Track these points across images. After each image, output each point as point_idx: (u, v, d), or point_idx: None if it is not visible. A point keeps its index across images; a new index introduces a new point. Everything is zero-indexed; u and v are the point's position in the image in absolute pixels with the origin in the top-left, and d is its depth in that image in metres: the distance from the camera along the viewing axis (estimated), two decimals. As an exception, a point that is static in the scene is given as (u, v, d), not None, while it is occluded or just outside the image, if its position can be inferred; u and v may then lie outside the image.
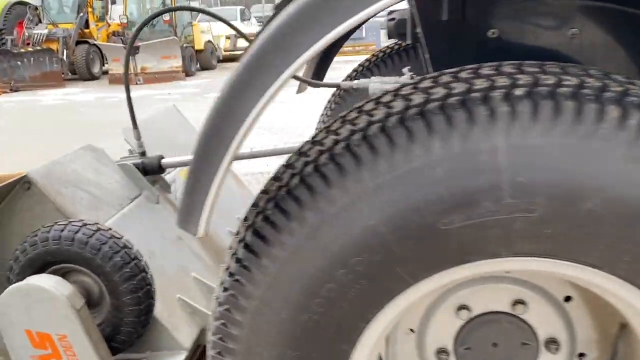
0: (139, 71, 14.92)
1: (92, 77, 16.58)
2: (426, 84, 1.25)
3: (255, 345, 1.32)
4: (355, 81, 2.45)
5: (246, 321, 1.31)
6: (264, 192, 1.33)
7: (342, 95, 3.01)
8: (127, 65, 2.40)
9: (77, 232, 1.82)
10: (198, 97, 12.16)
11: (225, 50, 20.26)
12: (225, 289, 1.33)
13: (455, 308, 1.52)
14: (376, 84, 2.31)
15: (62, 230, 1.81)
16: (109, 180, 2.27)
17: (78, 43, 16.58)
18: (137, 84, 14.62)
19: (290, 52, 1.14)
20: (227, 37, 20.63)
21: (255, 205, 1.33)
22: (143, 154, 2.46)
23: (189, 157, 2.58)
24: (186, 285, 2.22)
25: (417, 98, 1.20)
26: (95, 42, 16.94)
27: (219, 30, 19.37)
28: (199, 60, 17.82)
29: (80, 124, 9.66)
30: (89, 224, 1.85)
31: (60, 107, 12.14)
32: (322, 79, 2.95)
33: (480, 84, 1.17)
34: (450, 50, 1.63)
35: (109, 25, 18.23)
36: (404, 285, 1.23)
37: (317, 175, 1.20)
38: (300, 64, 1.15)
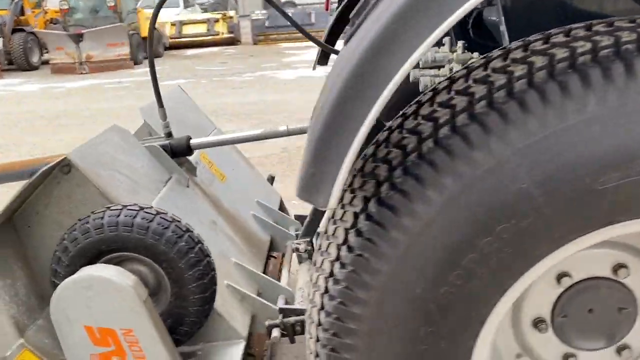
0: (83, 60, 14.23)
1: (31, 67, 15.67)
2: (559, 38, 1.18)
3: (383, 324, 1.23)
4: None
5: (371, 299, 1.22)
6: (376, 159, 1.24)
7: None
8: (150, 40, 2.23)
9: (135, 216, 1.66)
10: (149, 84, 11.69)
11: (170, 38, 19.64)
12: (343, 265, 1.24)
13: (555, 275, 1.48)
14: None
15: (119, 216, 1.65)
16: (140, 163, 2.10)
17: (14, 31, 15.63)
18: (82, 73, 13.95)
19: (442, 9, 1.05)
20: (172, 24, 20.02)
21: (369, 174, 1.24)
22: (169, 134, 2.29)
23: (217, 137, 2.45)
24: (229, 271, 2.09)
25: (560, 53, 1.13)
26: (33, 30, 16.02)
27: (164, 17, 18.76)
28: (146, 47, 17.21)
29: (29, 115, 9.11)
30: (146, 208, 1.70)
31: (3, 98, 11.41)
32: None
33: (626, 36, 1.12)
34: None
35: (46, 12, 17.27)
36: (547, 250, 1.17)
37: (457, 138, 1.12)
38: (450, 25, 1.06)
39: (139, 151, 2.15)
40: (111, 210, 1.69)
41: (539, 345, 1.46)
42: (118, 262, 1.69)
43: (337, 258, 1.26)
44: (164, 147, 2.24)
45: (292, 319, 2.00)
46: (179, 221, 1.71)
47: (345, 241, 1.25)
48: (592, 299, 1.44)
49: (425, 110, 1.23)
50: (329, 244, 1.33)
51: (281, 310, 2.01)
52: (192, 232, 1.71)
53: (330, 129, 1.11)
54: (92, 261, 1.68)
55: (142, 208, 1.69)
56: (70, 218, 1.80)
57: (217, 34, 19.71)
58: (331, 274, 1.28)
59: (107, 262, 1.68)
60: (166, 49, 18.68)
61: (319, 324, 1.32)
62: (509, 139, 1.10)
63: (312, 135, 1.15)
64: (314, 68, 2.91)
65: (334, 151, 1.11)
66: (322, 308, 1.30)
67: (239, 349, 1.85)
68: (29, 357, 1.70)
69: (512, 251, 1.15)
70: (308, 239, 2.42)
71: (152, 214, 1.70)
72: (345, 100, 1.09)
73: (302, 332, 2.02)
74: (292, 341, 2.00)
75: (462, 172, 1.12)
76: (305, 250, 2.39)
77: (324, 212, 2.39)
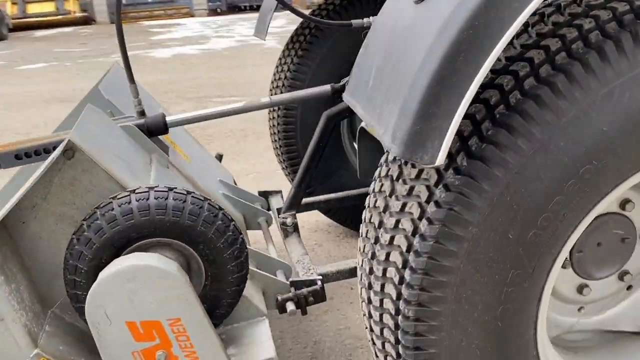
0: None
1: None
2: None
3: (473, 273, 1.28)
4: (369, 18, 2.38)
5: (462, 250, 1.26)
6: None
7: (315, 33, 2.89)
8: (118, 16, 2.02)
9: (167, 197, 1.53)
10: (8, 69, 10.52)
11: (13, 18, 17.70)
12: (431, 221, 1.26)
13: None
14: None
15: (148, 198, 1.51)
16: (122, 145, 1.92)
17: None
18: None
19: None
20: (13, 2, 18.06)
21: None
22: (142, 113, 2.11)
23: (193, 113, 2.32)
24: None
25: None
26: None
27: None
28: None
29: None
30: (174, 187, 1.57)
31: None
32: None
33: None
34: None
35: None
36: (612, 188, 1.29)
37: (545, 88, 1.19)
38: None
39: (117, 132, 1.95)
40: (137, 193, 1.54)
41: (560, 281, 1.61)
42: (145, 250, 1.55)
43: (422, 216, 1.29)
44: (139, 126, 2.07)
45: (305, 290, 1.99)
46: (209, 199, 1.60)
47: (431, 198, 1.27)
48: (603, 234, 1.61)
49: (501, 65, 1.28)
50: (404, 204, 1.34)
51: (292, 283, 1.99)
52: (223, 209, 1.61)
53: (440, 84, 1.12)
54: (118, 252, 1.52)
55: (170, 188, 1.56)
56: (73, 209, 1.61)
57: (69, 13, 18.15)
58: (415, 231, 1.30)
59: (136, 250, 1.54)
60: (10, 30, 16.82)
61: (401, 282, 1.33)
62: (590, 86, 1.19)
63: (414, 92, 1.15)
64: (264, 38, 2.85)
65: (444, 107, 1.13)
66: (404, 267, 1.32)
67: (265, 326, 1.80)
68: None
69: (589, 190, 1.26)
70: (293, 213, 2.39)
71: (183, 193, 1.57)
72: (457, 54, 1.10)
73: (315, 303, 2.02)
74: (305, 313, 1.99)
75: (550, 121, 1.20)
76: (292, 224, 2.37)
77: (303, 184, 2.39)
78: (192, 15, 18.63)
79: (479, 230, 1.25)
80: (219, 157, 3.08)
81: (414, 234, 1.30)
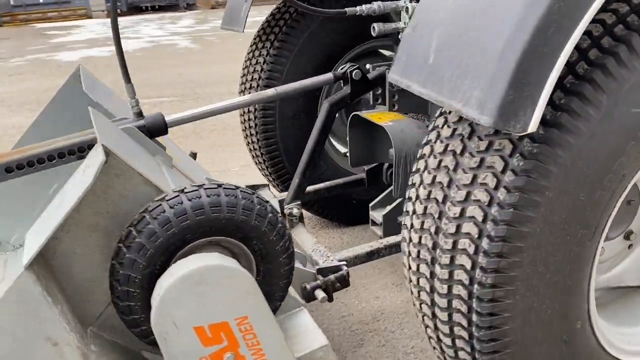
0: None
1: None
2: None
3: (548, 236, 1.35)
4: (362, 6, 2.39)
5: (539, 215, 1.33)
6: None
7: (291, 24, 2.87)
8: (114, 13, 1.89)
9: (219, 194, 1.47)
10: None
11: None
12: (509, 189, 1.32)
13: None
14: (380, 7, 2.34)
15: (200, 197, 1.44)
16: (132, 147, 1.81)
17: None
18: None
19: None
20: None
21: None
22: (140, 114, 2.01)
23: (193, 111, 2.24)
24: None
25: None
26: None
27: None
28: None
29: None
30: (222, 183, 1.51)
31: None
32: None
33: None
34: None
35: None
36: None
37: (610, 58, 1.28)
38: None
39: (124, 136, 1.84)
40: (188, 192, 1.46)
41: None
42: (197, 251, 1.48)
43: (498, 185, 1.34)
44: (140, 128, 1.96)
45: (332, 276, 1.99)
46: (255, 192, 1.56)
47: (507, 167, 1.33)
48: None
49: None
50: (474, 175, 1.39)
51: (319, 271, 1.98)
52: (269, 202, 1.57)
53: (532, 55, 1.17)
54: (172, 256, 1.45)
55: (219, 184, 1.50)
56: (107, 218, 1.49)
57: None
58: (491, 202, 1.35)
59: (189, 252, 1.46)
60: None
61: (476, 252, 1.38)
62: (646, 55, 1.30)
63: (504, 64, 1.19)
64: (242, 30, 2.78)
65: (535, 76, 1.18)
66: (480, 236, 1.37)
67: (307, 315, 1.78)
68: None
69: (641, 150, 1.37)
70: (298, 203, 2.37)
71: (232, 188, 1.51)
72: (549, 26, 1.16)
73: (341, 288, 2.03)
74: (331, 299, 1.99)
75: (614, 89, 1.29)
76: (298, 215, 2.35)
77: (307, 173, 2.37)
78: (90, 17, 17.65)
79: (554, 195, 1.33)
80: (193, 156, 2.99)
81: (489, 204, 1.35)
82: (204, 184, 1.51)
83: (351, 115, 2.47)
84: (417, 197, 1.57)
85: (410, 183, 1.64)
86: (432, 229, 1.49)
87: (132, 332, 1.53)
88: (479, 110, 1.23)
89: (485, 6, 1.29)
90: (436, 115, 1.62)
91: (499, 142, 1.35)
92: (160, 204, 1.45)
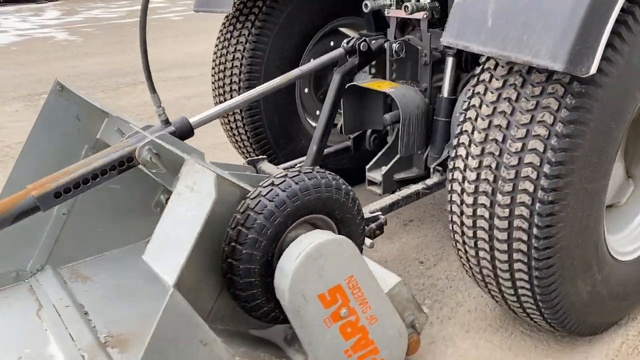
0: None
1: None
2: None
3: (591, 157, 1.74)
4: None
5: (586, 141, 1.71)
6: None
7: (271, 4, 3.02)
8: (143, 20, 1.97)
9: (303, 180, 1.69)
10: None
11: None
12: (564, 123, 1.67)
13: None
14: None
15: (291, 186, 1.66)
16: None
17: None
18: None
19: None
20: None
21: None
22: (167, 121, 2.14)
23: (216, 109, 2.35)
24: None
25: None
26: None
27: None
28: None
29: None
30: (299, 169, 1.73)
31: None
32: None
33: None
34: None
35: None
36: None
37: (629, 16, 1.68)
38: None
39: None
40: (290, 177, 1.68)
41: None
42: (297, 229, 1.69)
43: (554, 121, 1.68)
44: (171, 134, 2.06)
45: (373, 225, 2.25)
46: (325, 171, 1.79)
47: (561, 106, 1.68)
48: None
49: None
50: (532, 116, 1.72)
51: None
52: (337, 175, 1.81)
53: (593, 13, 1.52)
54: (277, 242, 1.65)
55: (299, 171, 1.72)
56: (209, 225, 1.58)
57: None
58: (549, 135, 1.69)
59: (292, 231, 1.68)
60: None
61: (538, 177, 1.72)
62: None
63: (573, 21, 1.52)
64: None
65: (595, 30, 1.53)
66: (541, 164, 1.71)
67: (370, 261, 2.01)
68: None
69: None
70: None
71: (309, 171, 1.73)
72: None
73: (379, 235, 2.30)
74: (372, 246, 2.25)
75: (632, 41, 1.69)
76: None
77: (324, 139, 2.58)
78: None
79: (595, 125, 1.71)
80: None
81: (548, 136, 1.70)
82: (286, 173, 1.71)
83: (347, 86, 2.72)
84: (471, 141, 1.88)
85: (458, 132, 1.94)
86: (493, 165, 1.81)
87: (253, 315, 1.70)
88: (551, 60, 1.56)
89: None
90: (477, 73, 1.93)
91: (552, 87, 1.70)
92: (260, 200, 1.63)
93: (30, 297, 2.26)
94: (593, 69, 1.56)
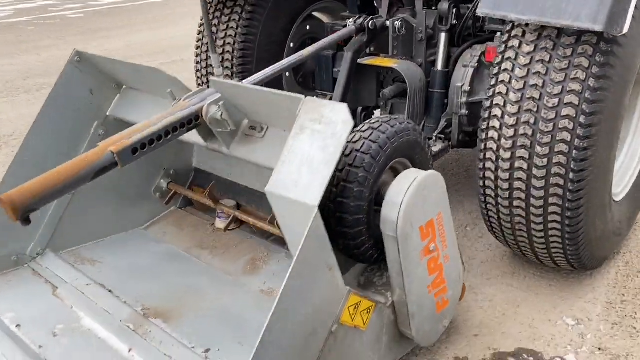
0: None
1: None
2: None
3: (613, 107, 2.04)
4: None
5: (610, 94, 2.00)
6: None
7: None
8: None
9: (392, 126, 1.82)
10: None
11: None
12: (596, 78, 1.94)
13: None
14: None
15: (393, 126, 1.82)
16: None
17: None
18: None
19: None
20: None
21: None
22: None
23: (265, 72, 2.41)
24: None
25: None
26: None
27: None
28: None
29: None
30: (384, 117, 1.86)
31: None
32: None
33: None
34: None
35: None
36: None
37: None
38: None
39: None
40: (385, 122, 1.80)
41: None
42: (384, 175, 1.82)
43: (587, 77, 1.94)
44: None
45: None
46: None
47: (591, 63, 1.93)
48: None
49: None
50: (566, 74, 1.96)
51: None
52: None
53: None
54: (377, 183, 1.77)
55: (390, 117, 1.86)
56: None
57: None
58: (583, 89, 1.94)
59: (389, 171, 1.82)
60: None
61: (574, 128, 1.97)
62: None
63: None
64: None
65: (629, -8, 1.80)
66: (577, 115, 1.96)
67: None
68: (354, 300, 1.69)
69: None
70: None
71: (395, 118, 1.87)
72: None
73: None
74: None
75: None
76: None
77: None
78: None
79: (617, 79, 1.99)
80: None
81: (582, 91, 1.95)
82: (379, 119, 1.84)
83: (357, 65, 2.84)
84: (506, 102, 2.09)
85: (491, 94, 2.15)
86: (531, 120, 2.04)
87: (354, 254, 1.82)
88: (591, 22, 1.81)
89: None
90: (504, 40, 2.14)
91: (582, 47, 1.95)
92: (364, 141, 1.75)
93: (37, 279, 2.23)
94: (626, 28, 1.83)
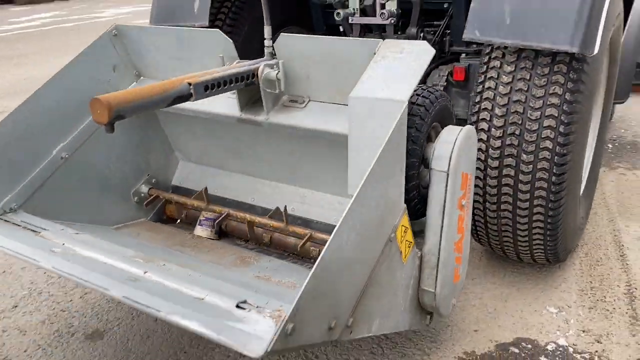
0: None
1: None
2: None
3: (585, 114, 2.31)
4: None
5: (583, 104, 2.27)
6: None
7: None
8: None
9: (432, 92, 2.04)
10: None
11: None
12: (571, 92, 2.22)
13: None
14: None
15: (433, 92, 2.05)
16: None
17: None
18: None
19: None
20: None
21: None
22: (273, 54, 2.28)
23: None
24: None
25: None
26: None
27: None
28: None
29: None
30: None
31: None
32: None
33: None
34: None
35: None
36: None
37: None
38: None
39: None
40: (426, 90, 2.03)
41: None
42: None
43: (564, 91, 2.21)
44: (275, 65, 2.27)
45: None
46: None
47: (566, 80, 2.21)
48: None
49: None
50: (545, 90, 2.23)
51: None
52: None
53: (594, 9, 2.06)
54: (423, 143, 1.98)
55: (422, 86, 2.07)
56: None
57: None
58: (561, 102, 2.21)
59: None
60: None
61: (555, 136, 2.23)
62: None
63: (581, 16, 2.05)
64: None
65: (595, 21, 2.08)
66: (556, 125, 2.22)
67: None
68: (405, 221, 1.83)
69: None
70: None
71: (430, 86, 2.10)
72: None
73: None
74: None
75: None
76: None
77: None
78: None
79: (586, 91, 2.28)
80: None
81: (560, 104, 2.22)
82: (419, 87, 2.03)
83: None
84: (492, 116, 2.33)
85: (477, 110, 2.38)
86: (517, 132, 2.28)
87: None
88: (569, 45, 2.08)
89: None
90: (484, 61, 2.39)
91: (557, 66, 2.23)
92: (412, 106, 1.94)
93: (13, 227, 2.08)
94: (596, 50, 2.12)
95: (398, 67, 1.83)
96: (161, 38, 2.46)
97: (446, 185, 1.89)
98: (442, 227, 1.94)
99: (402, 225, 1.80)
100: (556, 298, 2.70)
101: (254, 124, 2.31)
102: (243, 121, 2.32)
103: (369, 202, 1.57)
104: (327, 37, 2.10)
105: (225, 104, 2.36)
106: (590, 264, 2.97)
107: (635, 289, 2.75)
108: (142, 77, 2.59)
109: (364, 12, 3.04)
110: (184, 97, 1.84)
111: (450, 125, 2.00)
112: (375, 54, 1.92)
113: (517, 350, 2.36)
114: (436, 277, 1.99)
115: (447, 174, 1.89)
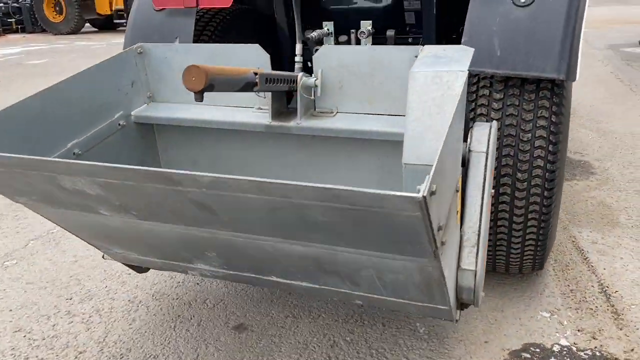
0: None
1: None
2: None
3: (565, 131, 2.56)
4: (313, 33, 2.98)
5: (564, 125, 2.53)
6: None
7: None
8: None
9: None
10: None
11: None
12: (556, 114, 2.47)
13: None
14: None
15: None
16: None
17: None
18: None
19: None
20: None
21: None
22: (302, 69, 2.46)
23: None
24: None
25: None
26: None
27: None
28: None
29: None
30: None
31: None
32: None
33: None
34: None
35: None
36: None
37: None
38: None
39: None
40: None
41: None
42: None
43: (550, 114, 2.45)
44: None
45: None
46: None
47: (551, 104, 2.45)
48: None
49: None
50: (534, 113, 2.45)
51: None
52: None
53: (574, 41, 2.32)
54: None
55: None
56: None
57: None
58: (549, 124, 2.45)
59: None
60: None
61: (547, 154, 2.46)
62: None
63: (565, 48, 2.30)
64: None
65: (575, 52, 2.34)
66: (547, 144, 2.45)
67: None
68: (456, 198, 1.92)
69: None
70: None
71: None
72: (576, 26, 2.33)
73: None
74: None
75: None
76: None
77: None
78: None
79: (566, 112, 2.54)
80: None
81: (548, 125, 2.45)
82: None
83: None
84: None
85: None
86: (511, 152, 2.49)
87: None
88: (556, 73, 2.32)
89: (531, 23, 2.37)
90: (472, 90, 2.59)
91: (542, 92, 2.47)
92: None
93: None
94: (577, 77, 2.39)
95: (447, 55, 2.02)
96: (190, 56, 2.48)
97: (486, 163, 2.06)
98: (482, 203, 2.06)
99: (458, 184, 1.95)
100: (545, 303, 2.92)
101: (285, 130, 2.40)
102: (272, 128, 2.39)
103: (449, 151, 1.66)
104: (367, 46, 2.25)
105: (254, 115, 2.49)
106: (561, 269, 3.24)
107: (607, 287, 3.04)
108: (152, 102, 2.60)
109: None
110: (250, 85, 1.96)
111: (478, 124, 2.21)
112: (416, 57, 2.10)
113: (529, 355, 2.53)
114: (477, 255, 2.02)
115: (487, 154, 2.07)
